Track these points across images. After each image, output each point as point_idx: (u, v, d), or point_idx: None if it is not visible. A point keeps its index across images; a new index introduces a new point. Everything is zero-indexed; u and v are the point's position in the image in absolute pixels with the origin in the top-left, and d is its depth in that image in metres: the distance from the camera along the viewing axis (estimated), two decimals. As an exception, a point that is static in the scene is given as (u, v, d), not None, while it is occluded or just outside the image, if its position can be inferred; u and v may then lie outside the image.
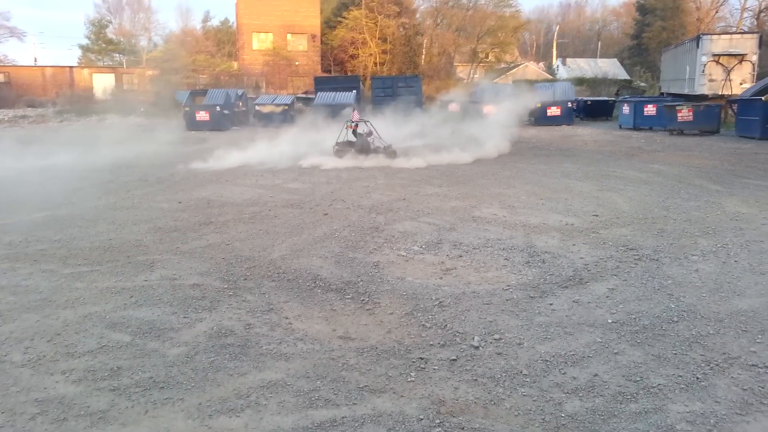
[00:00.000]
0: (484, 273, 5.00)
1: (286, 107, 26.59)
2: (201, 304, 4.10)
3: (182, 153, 15.40)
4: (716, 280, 4.54)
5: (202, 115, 23.76)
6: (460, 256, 5.56)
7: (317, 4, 47.34)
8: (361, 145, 13.37)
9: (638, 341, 3.41)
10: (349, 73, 40.57)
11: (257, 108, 25.78)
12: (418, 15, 48.24)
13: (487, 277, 4.88)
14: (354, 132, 13.53)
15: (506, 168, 11.77)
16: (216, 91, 25.99)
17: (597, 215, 7.31)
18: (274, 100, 27.15)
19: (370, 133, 13.61)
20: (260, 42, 46.89)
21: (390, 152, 13.23)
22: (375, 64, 43.65)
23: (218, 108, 23.80)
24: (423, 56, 47.70)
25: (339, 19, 44.69)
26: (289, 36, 47.21)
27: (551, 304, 4.06)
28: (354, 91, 25.86)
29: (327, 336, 3.59)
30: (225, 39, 58.23)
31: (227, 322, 3.77)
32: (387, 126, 21.46)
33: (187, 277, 4.74)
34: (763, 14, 43.75)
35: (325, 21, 48.56)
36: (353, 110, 14.45)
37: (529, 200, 8.44)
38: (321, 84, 27.85)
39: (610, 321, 3.69)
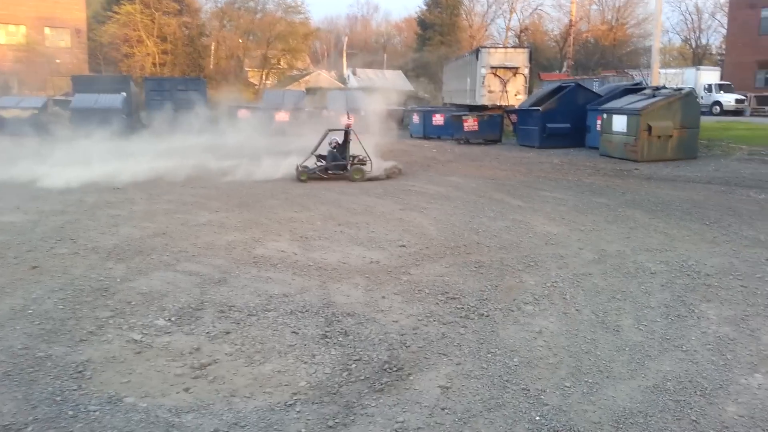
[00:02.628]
0: (260, 366, 3.27)
1: (36, 111, 22.00)
2: None
3: None
4: (570, 350, 3.43)
5: None
6: (228, 333, 3.77)
7: (82, -5, 41.27)
8: (333, 162, 10.62)
9: None
10: (124, 74, 35.57)
11: (-5, 112, 20.80)
12: (202, 14, 44.73)
13: (263, 375, 3.16)
14: (338, 144, 10.69)
15: (299, 184, 10.20)
16: (-71, 90, 20.33)
17: (404, 245, 6.06)
18: (19, 103, 22.29)
19: (336, 147, 10.79)
20: (9, 35, 39.55)
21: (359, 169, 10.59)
22: (154, 64, 39.26)
23: (-68, 112, 18.53)
24: (211, 59, 44.33)
25: (109, 13, 39.36)
26: (47, 30, 40.60)
27: (363, 442, 2.50)
28: (123, 94, 22.22)
29: None
30: (-38, 30, 48.07)
31: None
32: (169, 136, 18.65)
33: None
34: (522, 34, 49.13)
35: (93, 15, 42.55)
36: (348, 115, 10.97)
37: (325, 227, 6.94)
38: (81, 84, 23.52)
39: (461, 477, 2.25)
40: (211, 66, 43.50)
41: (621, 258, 5.45)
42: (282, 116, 23.22)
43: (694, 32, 55.39)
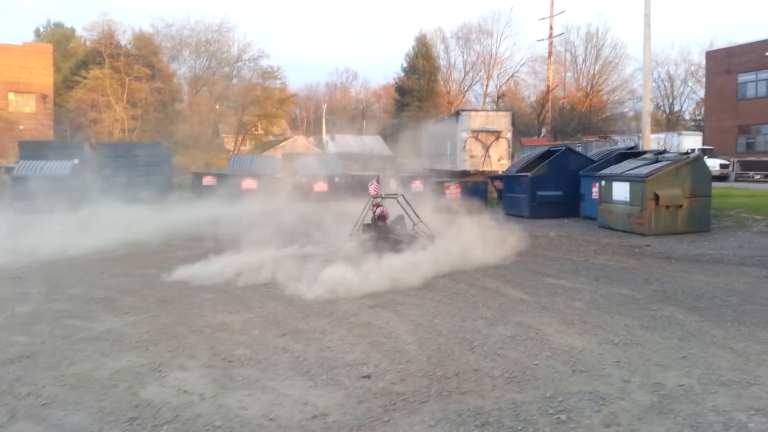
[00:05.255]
0: None
1: (-21, 180, 20.14)
2: None
3: None
4: None
5: None
6: None
7: (49, 61, 40.32)
8: (385, 234, 8.81)
9: None
10: (92, 141, 33.74)
11: (-74, 182, 18.84)
12: (176, 80, 43.79)
13: None
14: (377, 214, 8.98)
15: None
16: None
17: (369, 375, 4.17)
18: (-40, 171, 20.44)
19: (400, 218, 9.23)
20: (-30, 101, 38.16)
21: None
22: (123, 130, 37.78)
23: None
24: (187, 125, 42.98)
25: (77, 78, 38.18)
26: (11, 95, 39.41)
27: None
28: (75, 161, 20.43)
29: None
30: (-77, 95, 46.46)
31: None
32: (120, 207, 16.76)
33: None
34: (500, 100, 49.07)
35: (63, 81, 41.45)
36: (374, 182, 9.27)
37: (263, 339, 5.04)
38: (28, 150, 21.74)
39: None
40: (188, 131, 42.12)
41: (691, 401, 3.61)
42: (249, 184, 21.55)
43: (667, 99, 56.17)
